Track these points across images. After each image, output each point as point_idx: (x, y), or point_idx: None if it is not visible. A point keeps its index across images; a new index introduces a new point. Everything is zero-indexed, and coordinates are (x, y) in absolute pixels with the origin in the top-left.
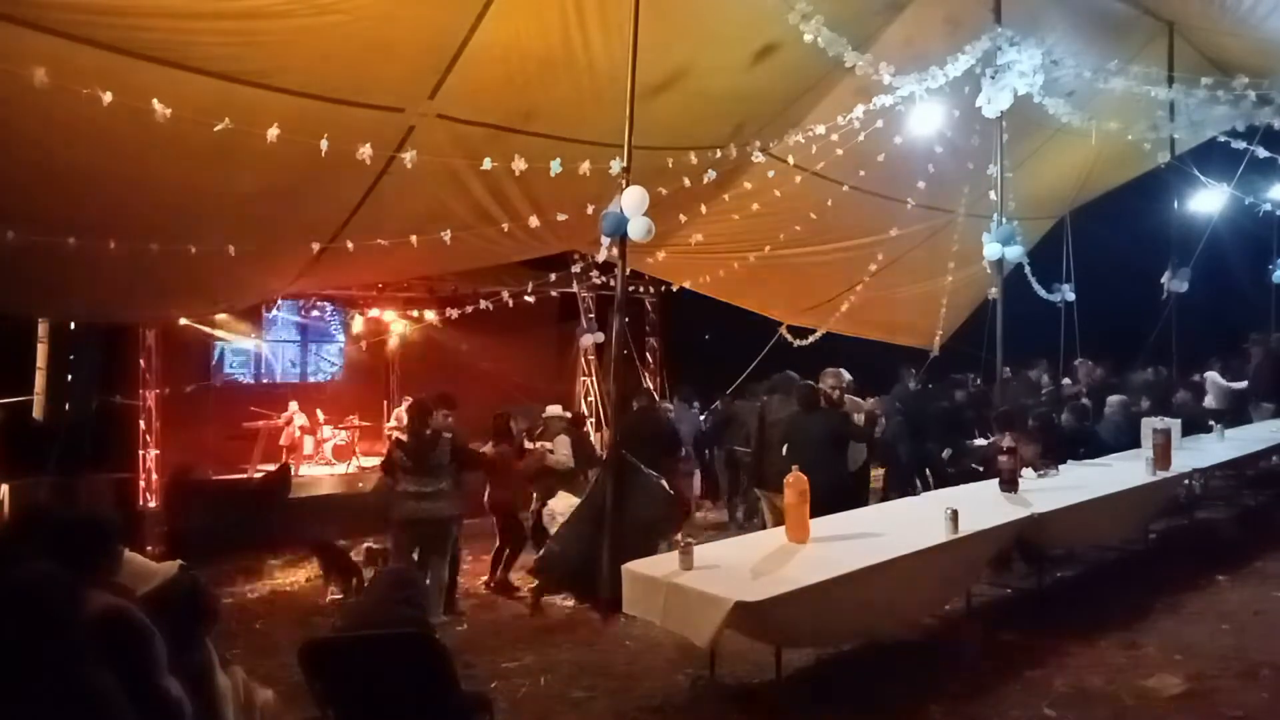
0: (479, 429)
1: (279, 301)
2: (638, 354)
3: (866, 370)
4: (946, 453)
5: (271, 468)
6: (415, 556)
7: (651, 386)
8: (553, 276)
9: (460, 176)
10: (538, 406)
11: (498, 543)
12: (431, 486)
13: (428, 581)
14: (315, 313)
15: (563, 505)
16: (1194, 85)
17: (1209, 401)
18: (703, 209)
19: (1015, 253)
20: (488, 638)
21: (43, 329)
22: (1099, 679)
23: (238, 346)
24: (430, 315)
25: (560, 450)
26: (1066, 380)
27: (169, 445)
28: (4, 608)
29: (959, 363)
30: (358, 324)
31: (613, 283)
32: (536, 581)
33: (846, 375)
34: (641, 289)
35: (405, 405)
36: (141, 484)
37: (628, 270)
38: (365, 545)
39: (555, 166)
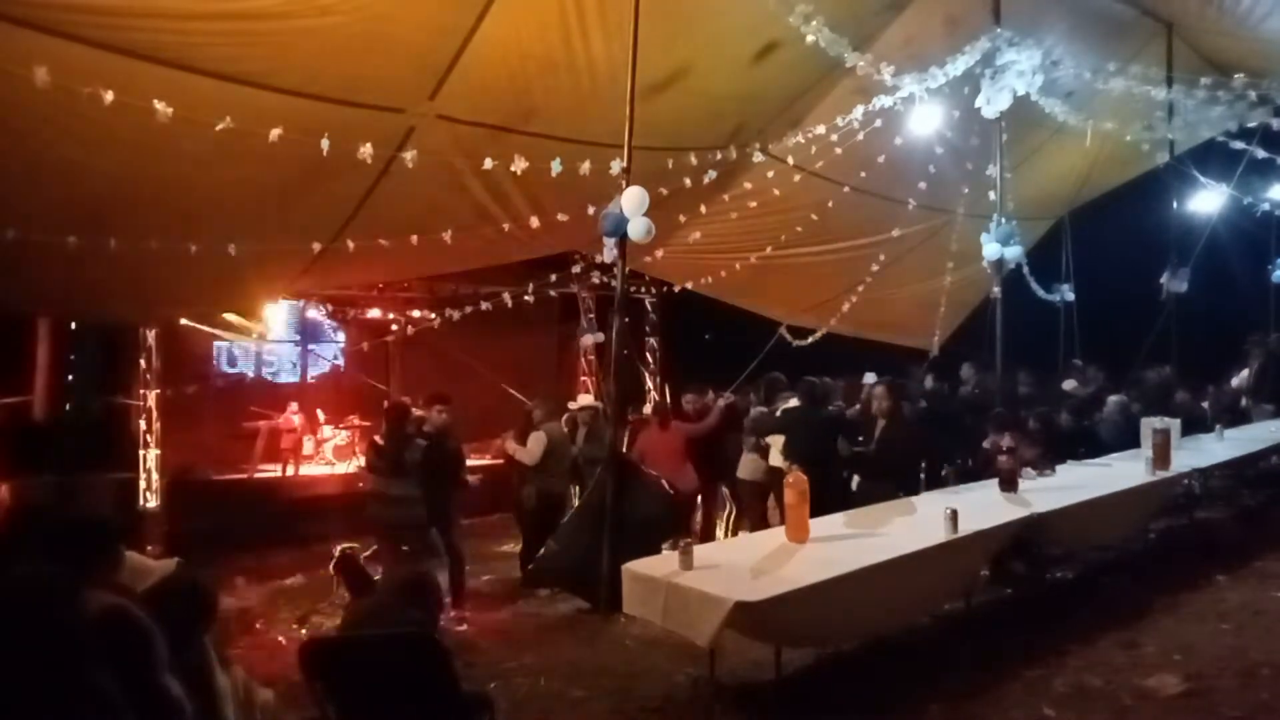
0: (480, 429)
1: (279, 301)
2: (638, 354)
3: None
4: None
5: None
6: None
7: (652, 387)
8: (553, 276)
9: (460, 177)
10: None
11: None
12: (400, 491)
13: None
14: (315, 313)
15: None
16: (1193, 85)
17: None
18: (703, 209)
19: (1015, 253)
20: (488, 638)
21: (43, 329)
22: (1099, 679)
23: (238, 346)
24: (430, 315)
25: (533, 445)
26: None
27: (169, 445)
28: (4, 608)
29: (959, 363)
30: (357, 324)
31: (613, 283)
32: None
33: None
34: (641, 289)
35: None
36: (142, 484)
37: (627, 270)
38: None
39: (555, 166)
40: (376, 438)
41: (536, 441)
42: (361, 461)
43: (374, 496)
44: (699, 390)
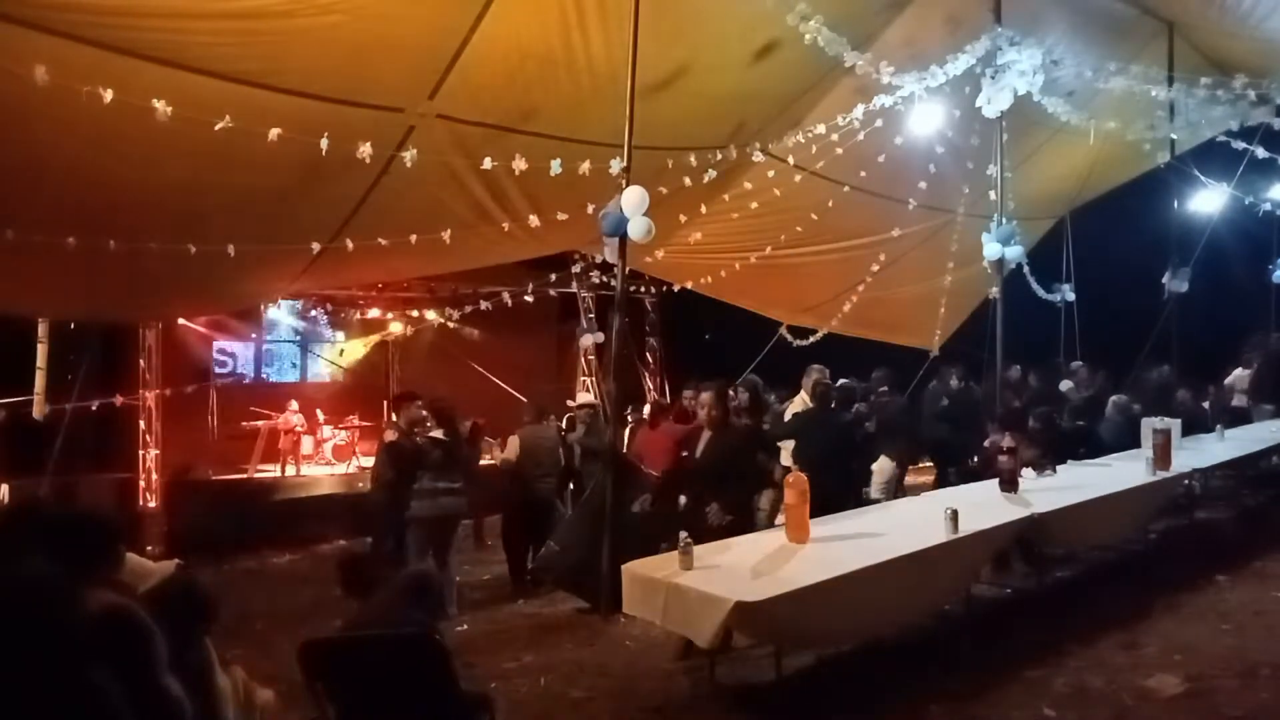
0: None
1: (279, 301)
2: (638, 354)
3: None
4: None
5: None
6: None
7: (651, 387)
8: (553, 276)
9: (460, 176)
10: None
11: None
12: (458, 483)
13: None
14: (315, 313)
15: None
16: (1194, 85)
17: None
18: (703, 209)
19: (1015, 253)
20: (488, 638)
21: (43, 329)
22: (1099, 679)
23: (237, 347)
24: (430, 315)
25: (506, 450)
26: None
27: (169, 445)
28: (4, 608)
29: (963, 363)
30: (357, 324)
31: (613, 283)
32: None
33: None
34: (641, 289)
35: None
36: (141, 484)
37: (628, 270)
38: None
39: (555, 166)
40: (437, 433)
41: (510, 446)
42: (360, 462)
43: (424, 492)
44: (696, 388)
